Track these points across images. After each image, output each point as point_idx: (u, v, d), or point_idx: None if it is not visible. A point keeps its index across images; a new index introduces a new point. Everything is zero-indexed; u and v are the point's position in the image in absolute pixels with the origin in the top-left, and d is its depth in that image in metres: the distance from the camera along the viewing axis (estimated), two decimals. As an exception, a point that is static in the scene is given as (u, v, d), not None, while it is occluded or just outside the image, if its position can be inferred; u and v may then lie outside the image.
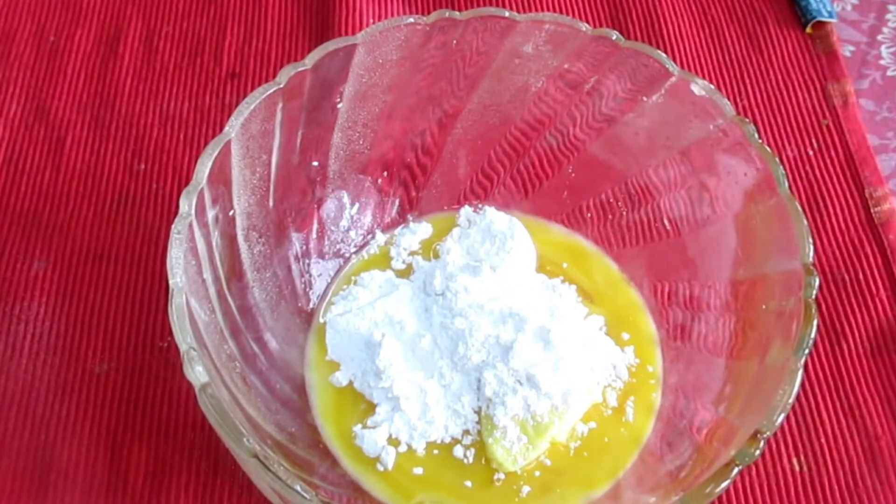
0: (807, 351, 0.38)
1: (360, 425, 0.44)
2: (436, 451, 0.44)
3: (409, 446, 0.43)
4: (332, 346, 0.46)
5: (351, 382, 0.45)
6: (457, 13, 0.46)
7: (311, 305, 0.49)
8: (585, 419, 0.45)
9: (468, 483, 0.43)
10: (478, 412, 0.44)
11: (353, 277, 0.49)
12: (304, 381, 0.46)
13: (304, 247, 0.49)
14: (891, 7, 0.63)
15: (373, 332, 0.45)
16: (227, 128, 0.42)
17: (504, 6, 0.59)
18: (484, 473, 0.43)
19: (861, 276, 0.51)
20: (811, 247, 0.40)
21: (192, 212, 0.40)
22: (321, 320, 0.48)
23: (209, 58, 0.60)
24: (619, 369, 0.46)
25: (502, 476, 0.43)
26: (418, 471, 0.43)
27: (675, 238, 0.49)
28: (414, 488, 0.43)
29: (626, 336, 0.47)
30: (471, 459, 0.43)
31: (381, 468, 0.43)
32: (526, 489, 0.43)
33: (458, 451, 0.43)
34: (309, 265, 0.49)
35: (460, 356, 0.44)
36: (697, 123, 0.46)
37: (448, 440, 0.44)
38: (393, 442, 0.44)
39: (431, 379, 0.44)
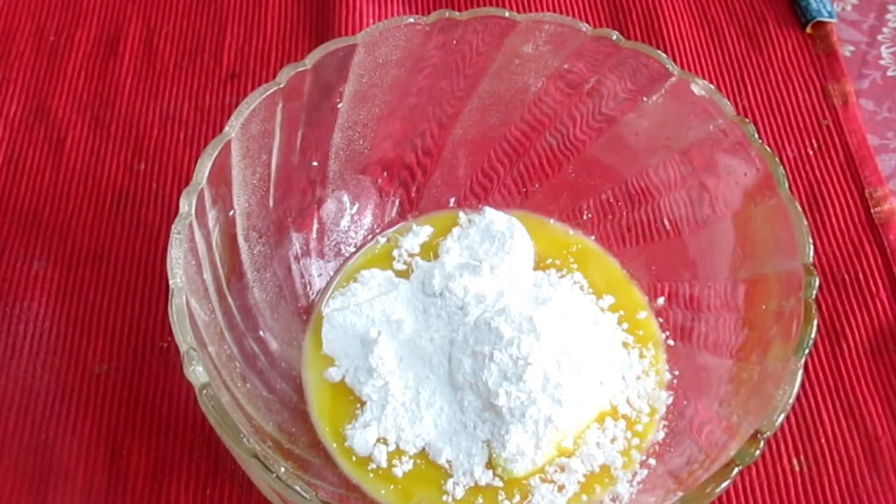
0: (807, 351, 0.38)
1: (351, 425, 0.44)
2: (430, 452, 0.43)
3: (398, 446, 0.43)
4: (327, 341, 0.46)
5: (344, 379, 0.46)
6: (457, 13, 0.46)
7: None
8: (586, 419, 0.45)
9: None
10: (478, 416, 0.44)
11: (353, 275, 0.49)
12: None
13: (304, 247, 0.49)
14: (891, 7, 0.63)
15: (369, 330, 0.45)
16: (227, 128, 0.42)
17: (504, 6, 0.59)
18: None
19: (861, 276, 0.51)
20: (811, 247, 0.40)
21: (192, 212, 0.40)
22: (321, 316, 0.48)
23: (209, 58, 0.60)
24: (625, 374, 0.46)
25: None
26: (414, 470, 0.43)
27: (675, 238, 0.49)
28: (412, 487, 0.43)
29: (629, 337, 0.47)
30: (465, 464, 0.43)
31: (373, 466, 0.43)
32: (524, 489, 0.43)
33: (453, 454, 0.43)
34: (309, 265, 0.49)
35: (456, 357, 0.44)
36: (697, 123, 0.46)
37: (441, 442, 0.44)
38: (383, 441, 0.44)
39: (424, 379, 0.44)
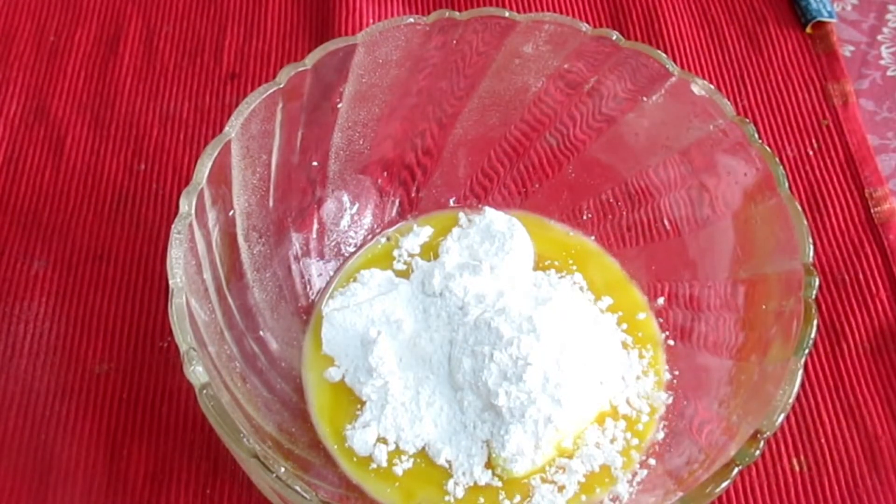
0: (807, 351, 0.38)
1: (351, 426, 0.44)
2: (430, 452, 0.43)
3: (397, 446, 0.43)
4: (327, 341, 0.46)
5: (344, 379, 0.46)
6: (457, 13, 0.46)
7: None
8: (585, 419, 0.45)
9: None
10: (477, 416, 0.44)
11: (353, 275, 0.49)
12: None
13: (304, 247, 0.49)
14: (891, 7, 0.63)
15: (369, 330, 0.45)
16: (227, 128, 0.42)
17: (504, 6, 0.59)
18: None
19: (861, 276, 0.51)
20: (811, 247, 0.40)
21: (192, 212, 0.40)
22: (321, 316, 0.48)
23: (209, 58, 0.60)
24: (624, 374, 0.46)
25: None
26: (415, 469, 0.43)
27: (675, 238, 0.49)
28: (413, 487, 0.43)
29: (629, 338, 0.47)
30: (465, 464, 0.43)
31: (374, 466, 0.43)
32: (524, 489, 0.43)
33: (452, 454, 0.43)
34: (309, 265, 0.49)
35: (456, 357, 0.44)
36: (697, 123, 0.46)
37: (441, 442, 0.44)
38: (382, 441, 0.44)
39: (424, 379, 0.44)
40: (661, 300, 0.48)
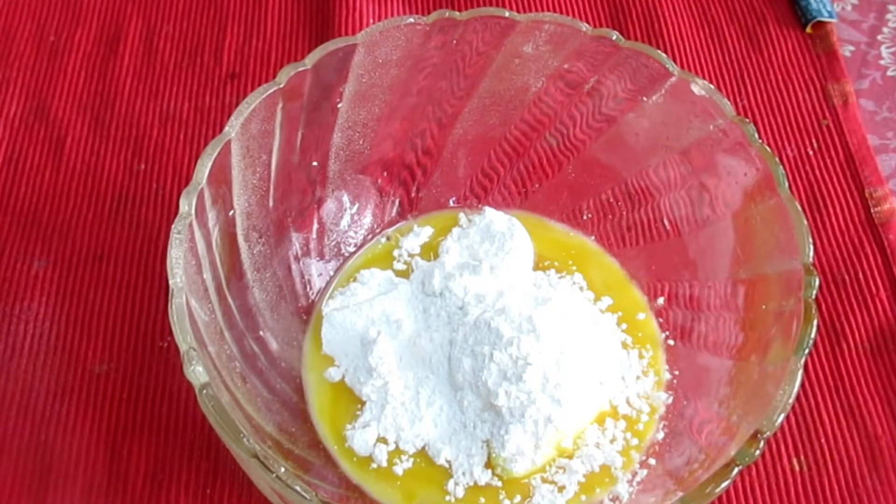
0: (807, 351, 0.38)
1: (351, 426, 0.44)
2: (429, 452, 0.43)
3: (397, 445, 0.43)
4: (327, 341, 0.46)
5: (344, 379, 0.46)
6: (457, 13, 0.46)
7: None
8: (585, 419, 0.45)
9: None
10: (477, 416, 0.44)
11: (354, 275, 0.49)
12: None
13: (304, 247, 0.49)
14: (891, 7, 0.63)
15: (368, 330, 0.45)
16: (227, 128, 0.42)
17: (504, 6, 0.59)
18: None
19: (861, 276, 0.51)
20: (811, 247, 0.40)
21: (192, 212, 0.40)
22: (321, 316, 0.48)
23: (209, 58, 0.60)
24: (624, 374, 0.46)
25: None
26: (415, 469, 0.43)
27: (675, 238, 0.49)
28: (414, 487, 0.43)
29: (628, 338, 0.47)
30: (465, 464, 0.43)
31: (374, 466, 0.43)
32: (525, 489, 0.43)
33: (452, 454, 0.43)
34: (309, 265, 0.49)
35: (456, 357, 0.44)
36: (697, 123, 0.46)
37: (441, 442, 0.44)
38: (382, 441, 0.44)
39: (424, 379, 0.44)
40: (661, 300, 0.48)
